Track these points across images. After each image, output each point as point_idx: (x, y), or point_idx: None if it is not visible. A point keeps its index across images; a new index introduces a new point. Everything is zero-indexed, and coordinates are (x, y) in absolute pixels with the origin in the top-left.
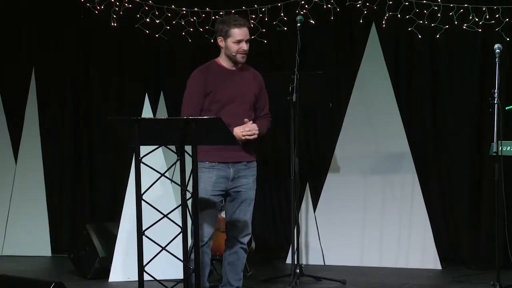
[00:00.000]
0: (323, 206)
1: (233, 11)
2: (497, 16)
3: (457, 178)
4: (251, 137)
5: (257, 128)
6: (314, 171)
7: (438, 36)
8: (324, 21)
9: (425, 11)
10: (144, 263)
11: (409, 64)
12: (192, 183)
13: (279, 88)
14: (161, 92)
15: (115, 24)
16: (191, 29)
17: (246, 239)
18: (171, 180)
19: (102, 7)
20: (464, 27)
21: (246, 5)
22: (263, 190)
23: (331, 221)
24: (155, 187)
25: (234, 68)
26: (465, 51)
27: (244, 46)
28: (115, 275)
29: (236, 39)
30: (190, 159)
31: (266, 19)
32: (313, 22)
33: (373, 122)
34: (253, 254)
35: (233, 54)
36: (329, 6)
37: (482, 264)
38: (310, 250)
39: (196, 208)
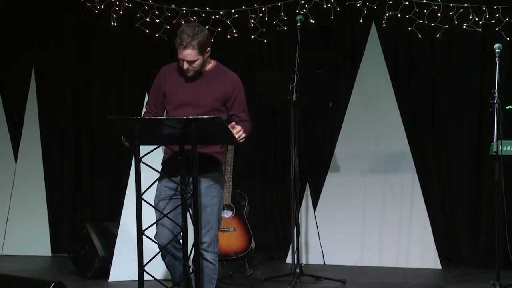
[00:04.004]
0: (323, 205)
1: (233, 10)
2: (497, 15)
3: (457, 178)
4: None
5: (240, 128)
6: (314, 171)
7: (438, 36)
8: (324, 21)
9: (425, 11)
10: (144, 263)
11: (409, 64)
12: (192, 182)
13: (279, 88)
14: None
15: (115, 24)
16: None
17: (208, 250)
18: (171, 180)
19: (102, 7)
20: (464, 26)
21: (246, 5)
22: (263, 190)
23: (331, 221)
24: (155, 187)
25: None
26: (465, 51)
27: (184, 65)
28: (115, 275)
29: (179, 57)
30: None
31: (266, 18)
32: (313, 22)
33: (373, 122)
34: (253, 254)
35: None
36: (329, 6)
37: (482, 264)
38: (310, 249)
39: (196, 208)
